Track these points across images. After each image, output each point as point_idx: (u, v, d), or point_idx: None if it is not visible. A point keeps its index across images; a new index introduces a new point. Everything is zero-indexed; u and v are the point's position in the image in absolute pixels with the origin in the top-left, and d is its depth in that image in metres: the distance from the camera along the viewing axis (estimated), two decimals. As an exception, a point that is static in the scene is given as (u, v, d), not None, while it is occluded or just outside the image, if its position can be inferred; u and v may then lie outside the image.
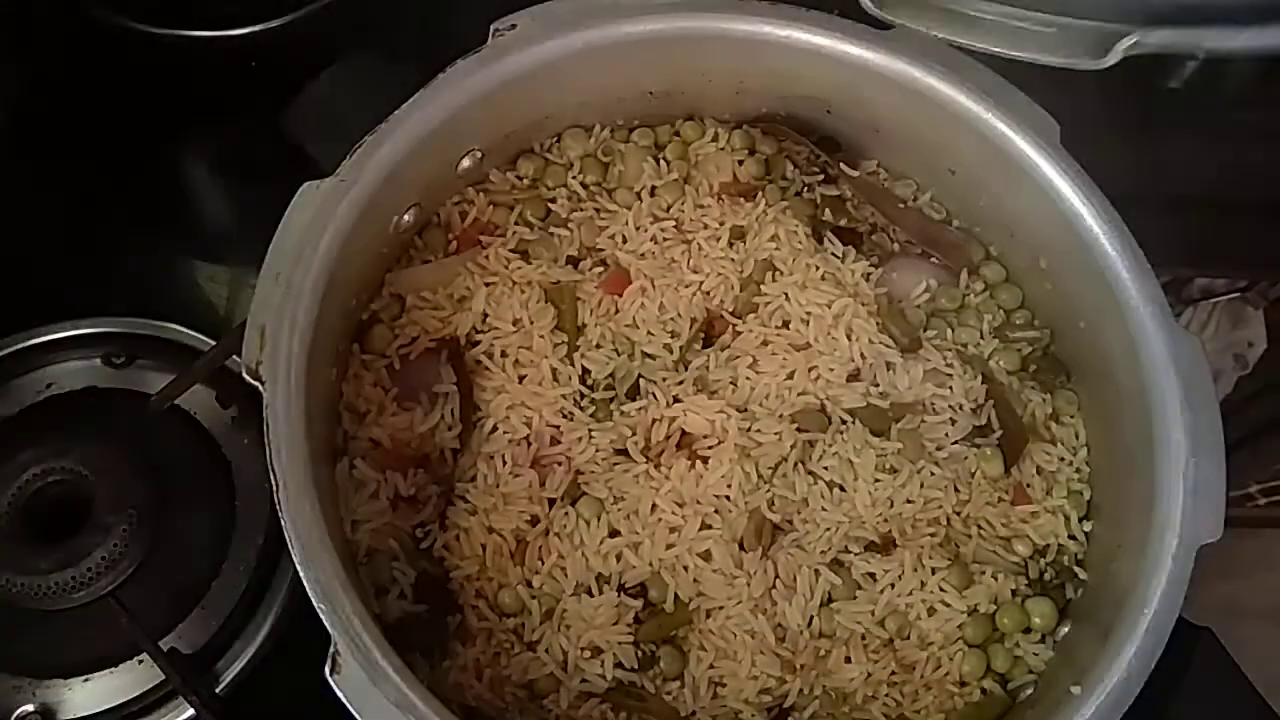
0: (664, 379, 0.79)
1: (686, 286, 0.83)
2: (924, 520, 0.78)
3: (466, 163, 0.83)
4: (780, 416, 0.79)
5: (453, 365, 0.78)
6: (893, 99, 0.82)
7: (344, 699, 0.60)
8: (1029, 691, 0.76)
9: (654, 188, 0.86)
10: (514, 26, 0.78)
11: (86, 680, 0.79)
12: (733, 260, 0.84)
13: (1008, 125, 0.78)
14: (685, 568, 0.75)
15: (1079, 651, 0.73)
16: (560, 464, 0.77)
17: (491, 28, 0.78)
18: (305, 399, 0.67)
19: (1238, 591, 2.08)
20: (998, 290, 0.87)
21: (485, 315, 0.81)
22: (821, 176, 0.89)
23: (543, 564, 0.74)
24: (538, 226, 0.85)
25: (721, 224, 0.85)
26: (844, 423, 0.79)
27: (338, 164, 0.73)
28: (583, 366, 0.80)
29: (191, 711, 0.77)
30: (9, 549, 0.78)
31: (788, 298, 0.82)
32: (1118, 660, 0.67)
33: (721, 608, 0.74)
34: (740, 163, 0.88)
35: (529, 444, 0.77)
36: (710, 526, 0.75)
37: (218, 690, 0.79)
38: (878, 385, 0.81)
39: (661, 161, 0.88)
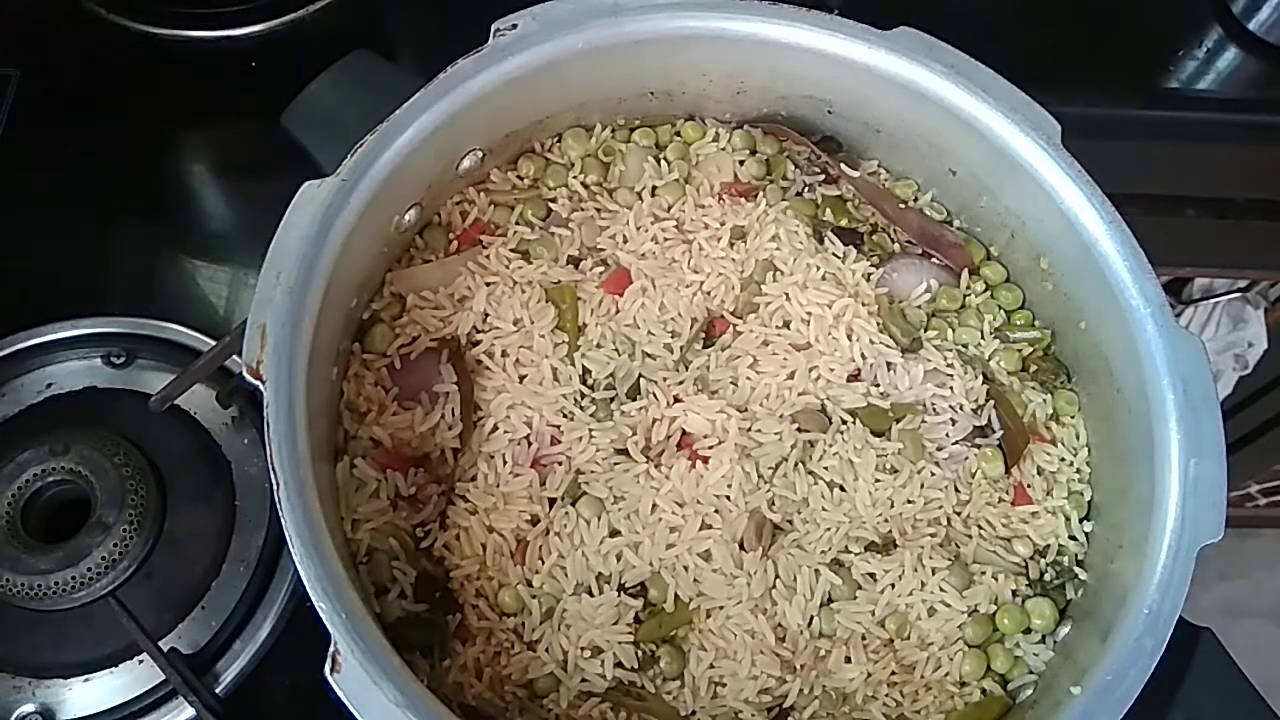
0: (664, 379, 0.79)
1: (687, 286, 0.83)
2: (924, 520, 0.78)
3: (467, 162, 0.83)
4: (780, 416, 0.79)
5: (453, 365, 0.78)
6: (893, 99, 0.82)
7: (343, 699, 0.60)
8: (1029, 692, 0.76)
9: (655, 188, 0.86)
10: (514, 26, 0.78)
11: (86, 680, 0.79)
12: (733, 260, 0.84)
13: (1008, 125, 0.79)
14: (685, 568, 0.75)
15: (1079, 652, 0.73)
16: (560, 464, 0.77)
17: (492, 28, 0.78)
18: (305, 399, 0.67)
19: (1238, 591, 2.08)
20: (998, 290, 0.87)
21: (486, 315, 0.81)
22: (822, 177, 0.89)
23: (543, 564, 0.74)
24: (538, 226, 0.85)
25: (722, 224, 0.85)
26: (844, 423, 0.79)
27: (338, 164, 0.73)
28: (583, 366, 0.80)
29: (191, 711, 0.77)
30: (9, 549, 0.78)
31: (788, 298, 0.82)
32: (1118, 661, 0.67)
33: (721, 608, 0.74)
34: (741, 163, 0.89)
35: (529, 444, 0.77)
36: (710, 526, 0.75)
37: (218, 690, 0.79)
38: (878, 385, 0.81)
39: (662, 161, 0.88)
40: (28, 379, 0.90)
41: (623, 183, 0.87)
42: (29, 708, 0.78)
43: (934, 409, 0.81)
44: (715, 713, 0.73)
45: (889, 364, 0.81)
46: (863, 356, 0.81)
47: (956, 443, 0.80)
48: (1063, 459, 0.82)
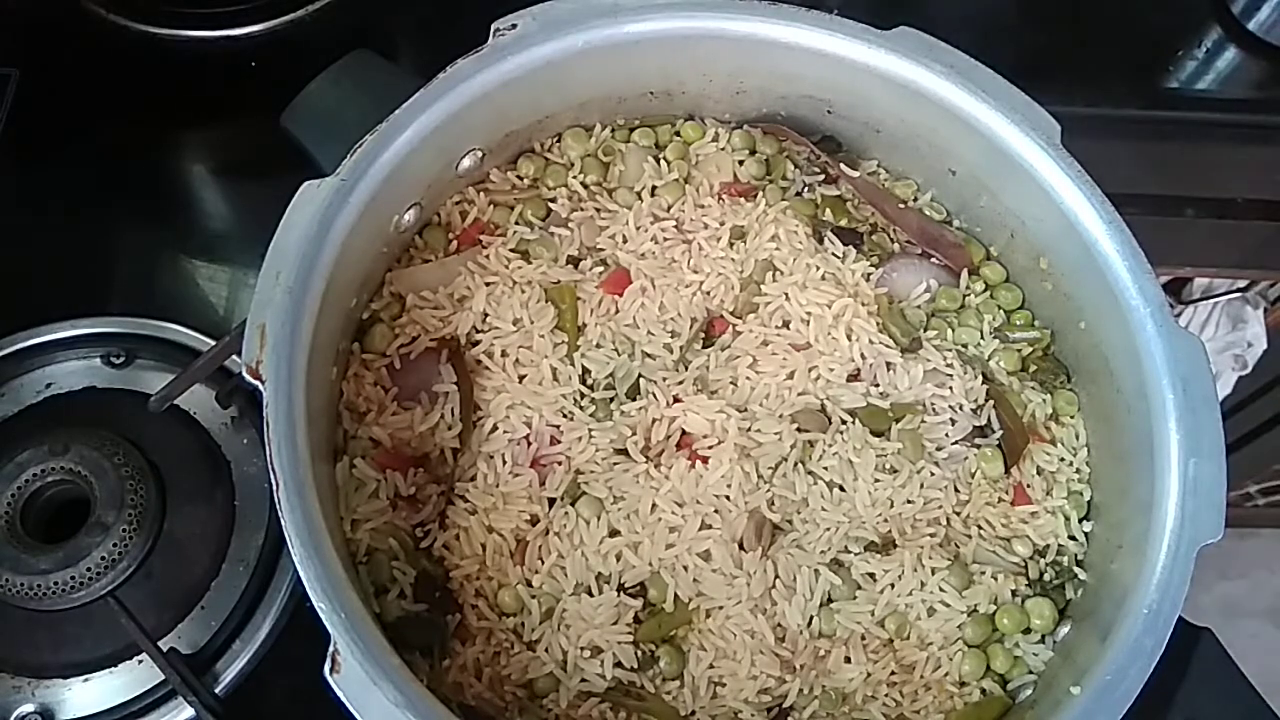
0: (664, 379, 0.79)
1: (687, 286, 0.83)
2: (924, 520, 0.78)
3: (467, 162, 0.83)
4: (780, 416, 0.79)
5: (453, 365, 0.78)
6: (893, 99, 0.82)
7: (343, 699, 0.60)
8: (1028, 692, 0.76)
9: (654, 188, 0.86)
10: (514, 26, 0.78)
11: (86, 680, 0.79)
12: (733, 260, 0.84)
13: (1008, 125, 0.79)
14: (685, 567, 0.75)
15: (1079, 652, 0.73)
16: (560, 463, 0.77)
17: (492, 28, 0.78)
18: (305, 399, 0.67)
19: (1238, 591, 2.08)
20: (998, 290, 0.87)
21: (485, 315, 0.81)
22: (822, 177, 0.89)
23: (542, 564, 0.74)
24: (538, 226, 0.85)
25: (722, 224, 0.85)
26: (844, 423, 0.79)
27: (338, 164, 0.73)
28: (583, 366, 0.80)
29: (191, 711, 0.77)
30: (8, 549, 0.78)
31: (788, 298, 0.82)
32: (1117, 661, 0.67)
33: (721, 608, 0.74)
34: (741, 163, 0.89)
35: (529, 443, 0.77)
36: (710, 526, 0.75)
37: (218, 690, 0.79)
38: (878, 385, 0.81)
39: (662, 161, 0.88)
40: (28, 379, 0.90)
41: (622, 183, 0.87)
42: (29, 708, 0.78)
43: (934, 409, 0.81)
44: (715, 713, 0.73)
45: (889, 364, 0.81)
46: (862, 356, 0.81)
47: (956, 443, 0.80)
48: (1062, 459, 0.82)
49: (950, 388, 0.81)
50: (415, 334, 0.80)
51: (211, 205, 1.12)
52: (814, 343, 0.81)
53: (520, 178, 0.87)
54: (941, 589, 0.76)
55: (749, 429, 0.78)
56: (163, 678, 0.77)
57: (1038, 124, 0.78)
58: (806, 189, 0.88)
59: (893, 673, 0.75)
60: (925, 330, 0.84)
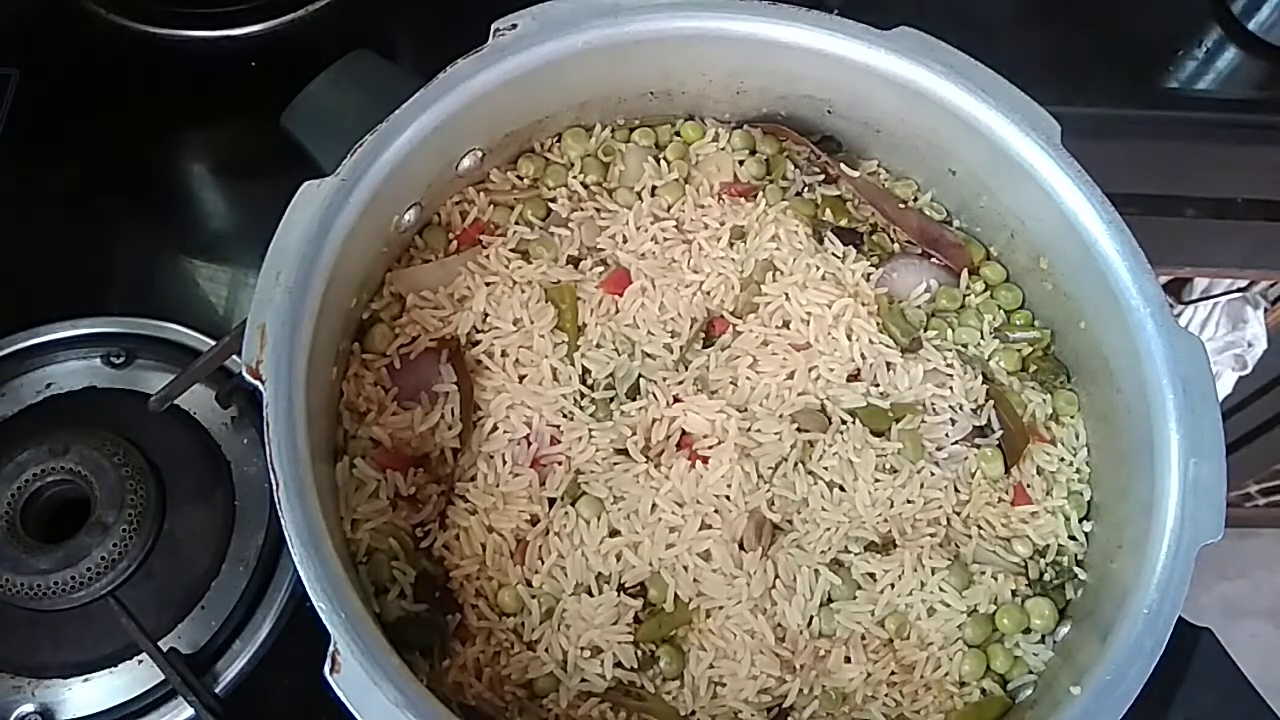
0: (664, 379, 0.79)
1: (687, 286, 0.83)
2: (924, 520, 0.78)
3: (467, 162, 0.83)
4: (780, 416, 0.79)
5: (453, 365, 0.78)
6: (893, 99, 0.82)
7: (343, 699, 0.60)
8: (1028, 692, 0.76)
9: (654, 188, 0.86)
10: (514, 26, 0.78)
11: (86, 680, 0.79)
12: (733, 260, 0.84)
13: (1008, 125, 0.79)
14: (685, 567, 0.75)
15: (1079, 652, 0.73)
16: (560, 463, 0.77)
17: (492, 28, 0.78)
18: (305, 398, 0.67)
19: (1238, 591, 2.08)
20: (998, 290, 0.87)
21: (485, 315, 0.81)
22: (822, 177, 0.89)
23: (543, 563, 0.74)
24: (538, 226, 0.85)
25: (722, 224, 0.85)
26: (844, 423, 0.79)
27: (338, 164, 0.73)
28: (583, 366, 0.80)
29: (191, 711, 0.77)
30: (9, 549, 0.78)
31: (788, 298, 0.82)
32: (1117, 661, 0.67)
33: (721, 608, 0.74)
34: (741, 163, 0.89)
35: (529, 443, 0.77)
36: (710, 526, 0.75)
37: (218, 690, 0.79)
38: (878, 385, 0.81)
39: (662, 161, 0.88)
40: (28, 379, 0.90)
41: (622, 183, 0.87)
42: (29, 708, 0.78)
43: (934, 409, 0.81)
44: (715, 713, 0.73)
45: (889, 364, 0.81)
46: (862, 356, 0.81)
47: (956, 443, 0.80)
48: (1062, 459, 0.82)
49: (950, 388, 0.81)
50: (415, 334, 0.80)
51: (211, 205, 1.12)
52: (814, 343, 0.81)
53: (520, 178, 0.87)
54: (941, 589, 0.76)
55: (749, 429, 0.78)
56: (163, 678, 0.77)
57: (1038, 124, 0.78)
58: (806, 189, 0.88)
59: (893, 673, 0.75)
60: (925, 330, 0.84)
